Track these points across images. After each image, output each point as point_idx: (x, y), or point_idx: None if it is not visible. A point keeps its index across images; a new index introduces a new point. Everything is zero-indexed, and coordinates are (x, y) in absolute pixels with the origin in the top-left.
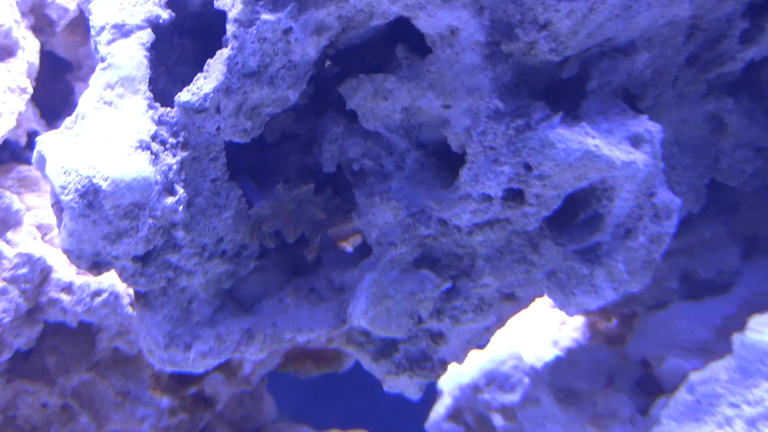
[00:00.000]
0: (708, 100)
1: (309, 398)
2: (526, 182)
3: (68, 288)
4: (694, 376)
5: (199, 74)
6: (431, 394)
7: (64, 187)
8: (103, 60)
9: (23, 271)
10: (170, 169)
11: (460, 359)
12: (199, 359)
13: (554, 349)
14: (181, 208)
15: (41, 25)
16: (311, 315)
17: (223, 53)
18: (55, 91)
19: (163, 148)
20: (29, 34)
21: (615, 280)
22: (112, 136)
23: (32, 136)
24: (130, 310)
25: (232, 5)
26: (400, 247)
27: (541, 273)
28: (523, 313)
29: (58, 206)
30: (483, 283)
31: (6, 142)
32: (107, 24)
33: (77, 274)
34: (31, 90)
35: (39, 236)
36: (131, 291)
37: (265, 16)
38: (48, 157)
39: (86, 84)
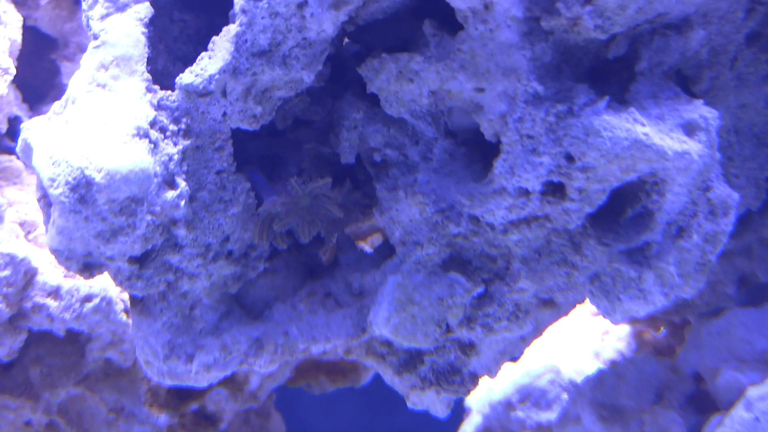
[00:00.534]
0: None
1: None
2: (567, 175)
3: (55, 292)
4: (753, 392)
5: (203, 53)
6: (458, 411)
7: (53, 180)
8: (96, 37)
9: (5, 273)
10: (171, 159)
11: (492, 372)
12: (203, 372)
13: (596, 361)
14: (182, 203)
15: None
16: (327, 323)
17: (230, 30)
18: (38, 72)
19: (162, 136)
20: (11, 8)
21: (666, 284)
22: (107, 123)
23: (13, 122)
24: (124, 317)
25: None
26: (427, 247)
27: (584, 276)
28: (561, 321)
29: (45, 201)
30: (519, 287)
31: None
32: None
33: (65, 276)
34: (13, 71)
35: (22, 234)
36: (126, 296)
37: None
38: (35, 146)
39: (73, 63)
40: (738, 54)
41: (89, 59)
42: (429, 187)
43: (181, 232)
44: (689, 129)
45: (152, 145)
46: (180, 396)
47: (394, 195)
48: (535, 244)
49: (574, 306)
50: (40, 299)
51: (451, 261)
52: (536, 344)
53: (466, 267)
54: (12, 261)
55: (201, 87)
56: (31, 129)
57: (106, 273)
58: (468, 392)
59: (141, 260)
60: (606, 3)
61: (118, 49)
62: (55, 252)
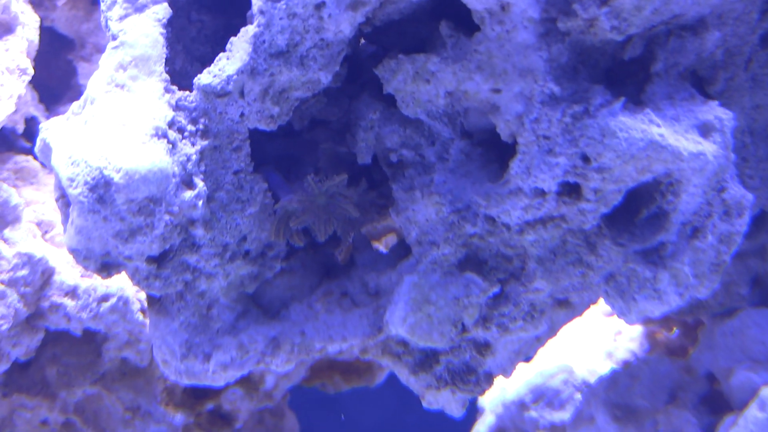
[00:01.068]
0: None
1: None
2: (583, 175)
3: (72, 292)
4: (766, 391)
5: (221, 54)
6: (471, 411)
7: (72, 180)
8: (114, 38)
9: (23, 272)
10: (189, 159)
11: (507, 372)
12: (220, 371)
13: (609, 361)
14: (200, 203)
15: None
16: (344, 322)
17: (248, 30)
18: (54, 72)
19: (181, 136)
20: (28, 9)
21: (681, 284)
22: (125, 123)
23: (30, 122)
24: (140, 316)
25: None
26: (443, 247)
27: (599, 276)
28: (574, 322)
29: (64, 201)
30: (534, 287)
31: (1, 128)
32: None
33: (82, 276)
34: (31, 71)
35: (39, 234)
36: (142, 296)
37: None
38: (54, 146)
39: (89, 64)
40: (753, 55)
41: (108, 60)
42: (445, 187)
43: (198, 231)
44: (704, 130)
45: (170, 146)
46: (196, 395)
47: (410, 195)
48: (551, 245)
49: (589, 306)
50: (57, 299)
51: (467, 261)
52: (549, 344)
53: (481, 267)
54: (30, 260)
55: (219, 87)
56: (50, 129)
57: (123, 273)
58: (483, 392)
59: (159, 260)
60: (622, 4)
61: (136, 49)
62: (74, 251)
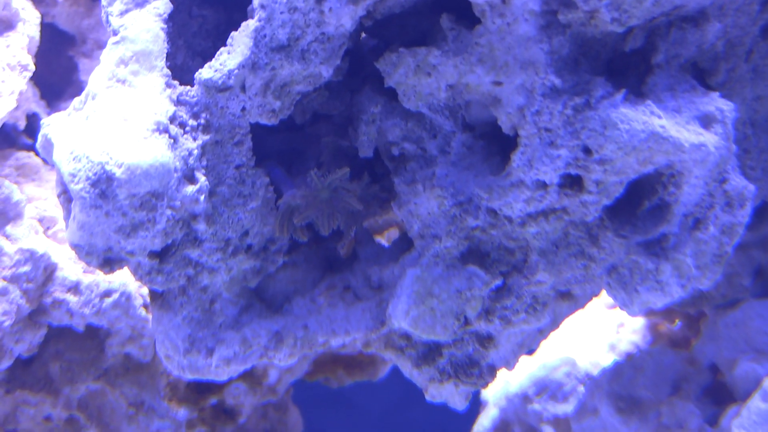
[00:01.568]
0: None
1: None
2: (585, 167)
3: (75, 288)
4: None
5: (222, 48)
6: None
7: (73, 175)
8: (115, 33)
9: (25, 269)
10: (190, 154)
11: (510, 365)
12: (223, 365)
13: (612, 353)
14: (202, 197)
15: None
16: (347, 316)
17: (249, 25)
18: (55, 68)
19: (182, 131)
20: (29, 4)
21: (683, 275)
22: (127, 118)
23: (31, 118)
24: (143, 311)
25: None
26: (446, 240)
27: (601, 268)
28: (576, 314)
29: (65, 196)
30: (537, 279)
31: (2, 125)
32: None
33: (85, 272)
34: (32, 67)
35: (41, 230)
36: (144, 291)
37: None
38: (55, 141)
39: (90, 60)
40: (754, 46)
41: (109, 55)
42: (447, 180)
43: (200, 226)
44: (706, 121)
45: (172, 140)
46: (199, 390)
47: (412, 188)
48: (553, 237)
49: (591, 298)
50: (59, 295)
51: (470, 254)
52: (552, 337)
53: (484, 260)
54: (32, 257)
55: (220, 82)
56: (52, 125)
57: (125, 268)
58: (486, 384)
59: (161, 255)
60: None
61: (137, 44)
62: (76, 247)
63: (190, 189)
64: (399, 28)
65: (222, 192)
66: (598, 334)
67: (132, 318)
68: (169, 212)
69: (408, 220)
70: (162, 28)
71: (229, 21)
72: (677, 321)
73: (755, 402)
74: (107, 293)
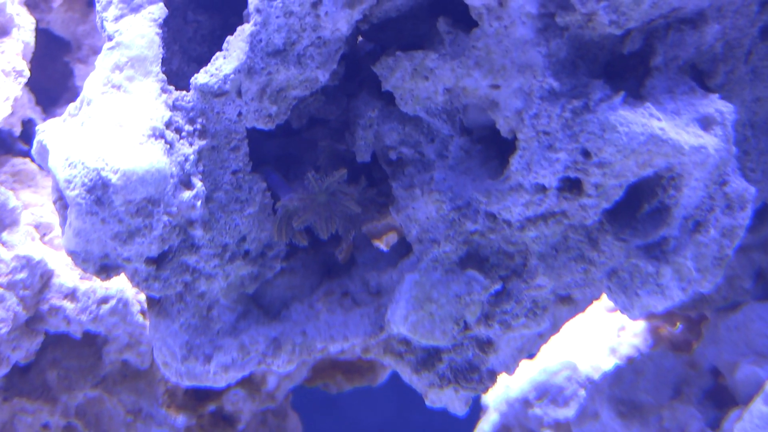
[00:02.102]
0: None
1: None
2: (584, 170)
3: (72, 294)
4: None
5: (217, 53)
6: (475, 409)
7: (69, 182)
8: (110, 38)
9: (21, 275)
10: (187, 159)
11: (510, 369)
12: (221, 372)
13: (612, 357)
14: (199, 203)
15: (36, 0)
16: (345, 322)
17: (245, 29)
18: (51, 74)
19: (178, 136)
20: (23, 10)
21: (683, 278)
22: (122, 124)
23: (27, 124)
24: (140, 318)
25: None
26: (444, 244)
27: (601, 272)
28: (576, 318)
29: (61, 203)
30: (536, 284)
31: None
32: None
33: (81, 278)
34: (28, 73)
35: (38, 237)
36: (142, 297)
37: None
38: (50, 148)
39: (86, 66)
40: (753, 48)
41: (104, 61)
42: (445, 184)
43: (197, 232)
44: (705, 123)
45: (168, 146)
46: (198, 397)
47: (410, 193)
48: (552, 241)
49: (591, 302)
50: (56, 301)
51: (469, 258)
52: (552, 341)
53: (483, 264)
54: (28, 263)
55: (216, 87)
56: (47, 131)
57: (122, 274)
58: (486, 389)
59: (158, 261)
60: None
61: (132, 50)
62: (72, 254)
63: (187, 195)
64: (396, 31)
65: (219, 198)
66: (598, 337)
67: (129, 325)
68: (165, 218)
69: (406, 224)
70: (157, 33)
71: (224, 26)
72: (678, 324)
73: (757, 405)
74: (104, 300)
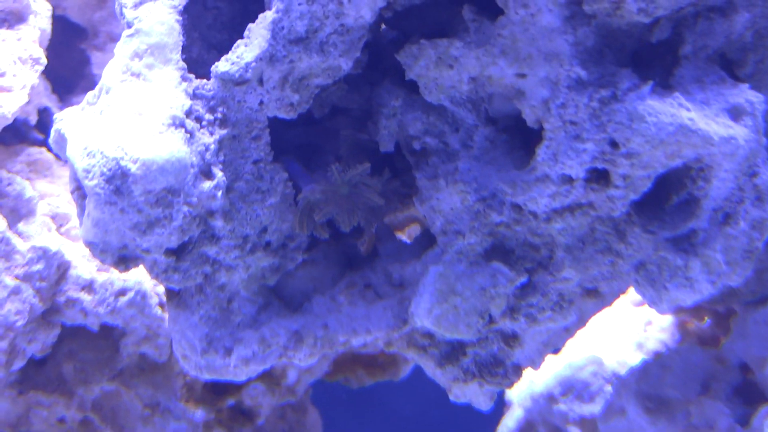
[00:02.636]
0: None
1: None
2: (612, 161)
3: (89, 286)
4: None
5: (238, 41)
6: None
7: (87, 171)
8: (129, 26)
9: (38, 267)
10: (207, 149)
11: (536, 364)
12: (241, 365)
13: (639, 352)
14: (219, 193)
15: None
16: (368, 314)
17: (267, 16)
18: (67, 62)
19: (198, 125)
20: None
21: (713, 272)
22: (142, 113)
23: (43, 113)
24: (159, 311)
25: None
26: (469, 236)
27: (629, 265)
28: (602, 312)
29: (79, 193)
30: (563, 276)
31: (13, 120)
32: None
33: (98, 270)
34: (44, 61)
35: (54, 228)
36: (160, 289)
37: None
38: (68, 136)
39: (103, 53)
40: None
41: (123, 48)
42: (470, 175)
43: (218, 223)
44: (735, 113)
45: (188, 135)
46: (216, 391)
47: (434, 183)
48: (579, 233)
49: (618, 296)
50: (73, 293)
51: (494, 250)
52: (578, 335)
53: (508, 256)
54: (45, 254)
55: (237, 75)
56: (65, 120)
57: (141, 266)
58: (511, 384)
59: (178, 252)
60: None
61: (152, 37)
62: (90, 245)
63: (207, 185)
64: (420, 19)
65: (240, 188)
66: (625, 332)
67: (147, 317)
68: (185, 209)
69: (430, 216)
70: (177, 21)
71: (244, 13)
72: (706, 318)
73: None
74: (122, 292)
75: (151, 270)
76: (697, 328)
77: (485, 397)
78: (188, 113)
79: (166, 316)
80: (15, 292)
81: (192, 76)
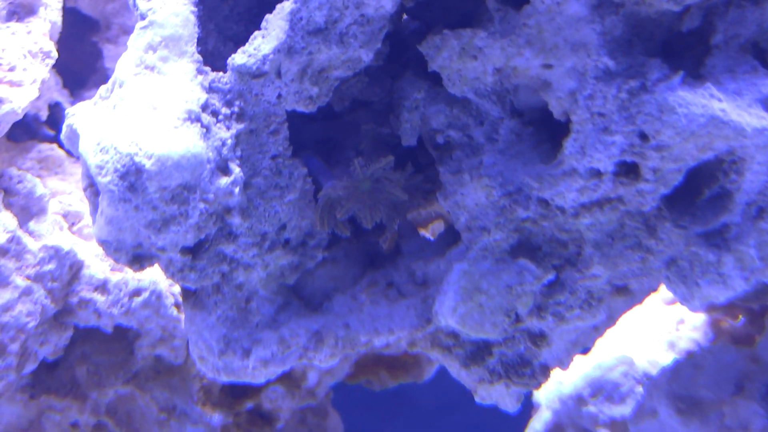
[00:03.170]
0: None
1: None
2: (641, 154)
3: (102, 286)
4: None
5: (255, 32)
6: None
7: (100, 167)
8: (143, 17)
9: (50, 267)
10: (224, 144)
11: (564, 364)
12: (260, 367)
13: (671, 352)
14: (237, 190)
15: None
16: (390, 314)
17: (285, 7)
18: (79, 55)
19: (215, 119)
20: None
21: (746, 267)
22: (156, 107)
23: (54, 108)
24: (175, 311)
25: None
26: (494, 232)
27: (659, 261)
28: (632, 311)
29: (92, 190)
30: (591, 273)
31: (23, 115)
32: None
33: (112, 270)
34: (55, 54)
35: (66, 226)
36: (176, 289)
37: None
38: (81, 132)
39: (116, 46)
40: None
41: (136, 40)
42: (495, 169)
43: (235, 220)
44: None
45: (204, 130)
46: (234, 394)
47: (458, 178)
48: (608, 228)
49: (649, 293)
50: (86, 294)
51: (520, 247)
52: (607, 334)
53: (535, 253)
54: (57, 254)
55: (254, 68)
56: (77, 114)
57: (156, 265)
58: (539, 385)
59: (194, 251)
60: None
61: (166, 29)
62: (104, 243)
63: (224, 181)
64: (442, 9)
65: (257, 184)
66: (656, 331)
67: (163, 318)
68: (201, 206)
69: (454, 211)
70: (192, 12)
71: (261, 3)
72: (740, 317)
73: None
74: (136, 292)
75: (167, 269)
76: (730, 326)
77: (512, 398)
78: (204, 107)
79: (182, 316)
80: (26, 292)
81: (208, 69)
